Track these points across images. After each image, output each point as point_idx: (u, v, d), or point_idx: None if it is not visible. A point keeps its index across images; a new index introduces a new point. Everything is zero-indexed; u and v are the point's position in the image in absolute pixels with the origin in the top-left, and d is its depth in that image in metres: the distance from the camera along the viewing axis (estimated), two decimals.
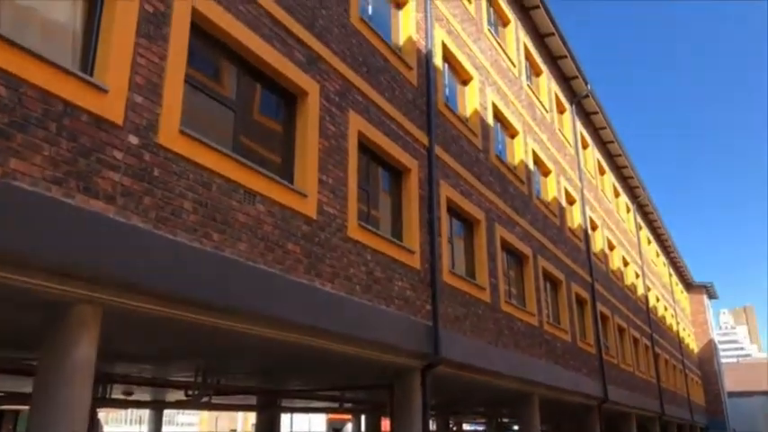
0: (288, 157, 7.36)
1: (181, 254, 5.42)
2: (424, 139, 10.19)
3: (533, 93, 16.76)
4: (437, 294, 9.51)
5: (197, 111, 6.28)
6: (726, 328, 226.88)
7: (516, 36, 16.15)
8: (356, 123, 8.39)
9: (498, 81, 14.15)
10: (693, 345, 44.69)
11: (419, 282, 9.28)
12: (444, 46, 11.65)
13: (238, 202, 6.21)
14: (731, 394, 49.98)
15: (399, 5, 10.62)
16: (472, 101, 12.72)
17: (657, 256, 34.99)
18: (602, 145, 24.70)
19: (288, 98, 7.51)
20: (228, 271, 5.87)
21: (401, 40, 10.43)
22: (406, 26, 10.54)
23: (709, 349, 46.91)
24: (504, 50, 14.86)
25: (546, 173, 17.11)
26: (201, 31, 6.33)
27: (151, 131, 5.39)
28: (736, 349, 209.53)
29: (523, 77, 16.19)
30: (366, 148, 8.80)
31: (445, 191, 10.63)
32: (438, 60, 11.25)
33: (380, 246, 8.45)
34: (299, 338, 6.94)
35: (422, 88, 10.50)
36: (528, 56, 17.09)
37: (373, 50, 9.19)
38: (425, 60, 10.75)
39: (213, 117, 6.59)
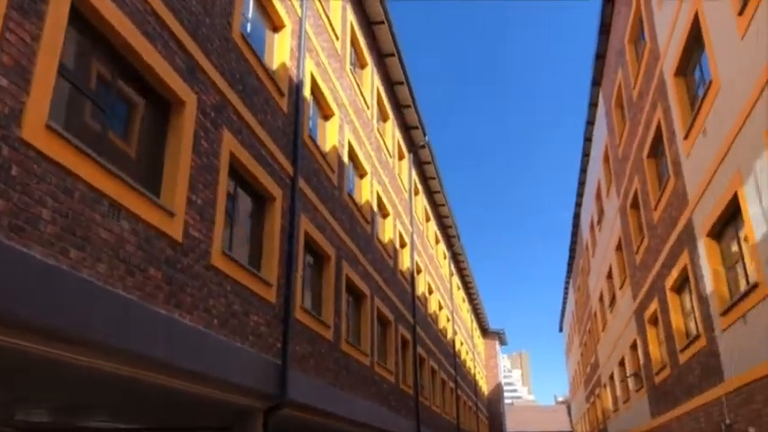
0: (155, 170, 6.61)
1: (32, 270, 4.50)
2: (290, 169, 9.85)
3: (381, 136, 17.19)
4: (289, 331, 9.08)
5: (63, 105, 5.39)
6: (505, 371, 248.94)
7: (372, 79, 16.52)
8: (229, 143, 7.83)
9: (355, 121, 14.29)
10: (485, 387, 48.16)
11: (273, 317, 8.80)
12: (313, 78, 11.50)
13: (101, 215, 5.38)
14: None
15: (276, 29, 10.29)
16: (332, 137, 12.64)
17: (464, 301, 37.43)
18: (430, 194, 26.05)
19: (163, 106, 6.79)
20: (84, 295, 5.01)
21: (275, 64, 10.07)
22: (281, 51, 10.22)
23: (498, 392, 50.90)
24: (361, 92, 15.09)
25: (385, 215, 17.51)
26: (81, 16, 5.50)
27: (13, 122, 4.48)
28: (512, 392, 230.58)
29: (374, 120, 16.55)
30: (235, 170, 8.25)
31: (304, 224, 10.33)
32: (307, 91, 11.05)
33: (241, 277, 7.88)
34: (149, 376, 6.12)
35: (291, 117, 10.19)
36: (379, 100, 17.56)
37: (250, 70, 8.74)
38: (296, 89, 10.50)
39: (79, 115, 5.70)
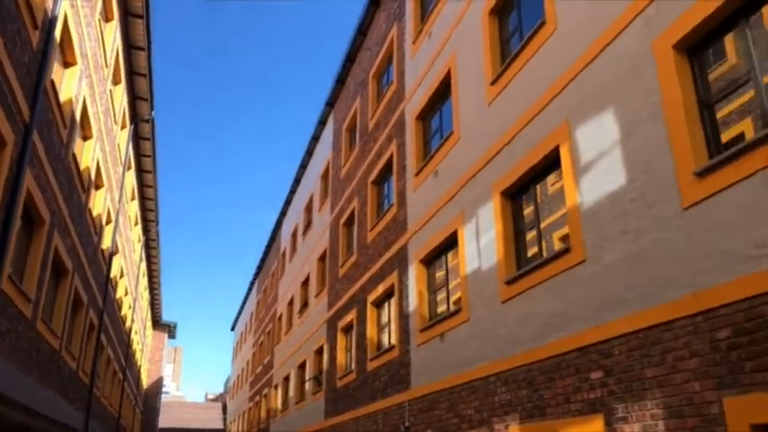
0: None
1: None
2: (26, 115, 8.40)
3: (111, 100, 15.61)
4: None
5: None
6: None
7: (114, 37, 14.96)
8: None
9: (93, 76, 12.76)
10: (145, 381, 45.95)
11: None
12: (66, 18, 10.01)
13: None
14: (162, 430, 52.82)
15: None
16: (69, 88, 11.10)
17: (145, 289, 35.42)
18: (141, 172, 24.29)
19: None
20: None
21: None
22: None
23: (156, 386, 49.01)
24: (103, 46, 13.56)
25: (99, 186, 15.85)
26: None
27: None
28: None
29: (108, 81, 14.97)
30: None
31: (28, 181, 8.86)
32: (58, 31, 9.58)
33: None
34: None
35: (38, 55, 8.73)
36: (116, 61, 15.95)
37: None
38: (49, 26, 9.04)
39: None
